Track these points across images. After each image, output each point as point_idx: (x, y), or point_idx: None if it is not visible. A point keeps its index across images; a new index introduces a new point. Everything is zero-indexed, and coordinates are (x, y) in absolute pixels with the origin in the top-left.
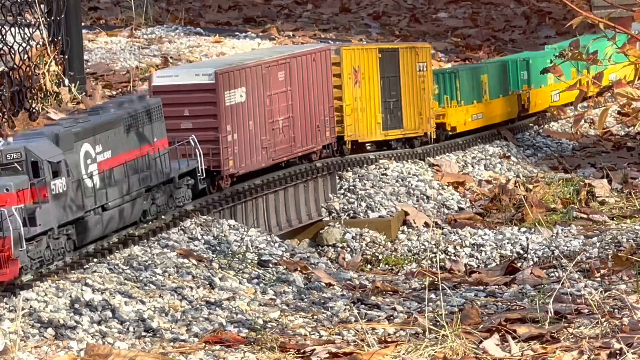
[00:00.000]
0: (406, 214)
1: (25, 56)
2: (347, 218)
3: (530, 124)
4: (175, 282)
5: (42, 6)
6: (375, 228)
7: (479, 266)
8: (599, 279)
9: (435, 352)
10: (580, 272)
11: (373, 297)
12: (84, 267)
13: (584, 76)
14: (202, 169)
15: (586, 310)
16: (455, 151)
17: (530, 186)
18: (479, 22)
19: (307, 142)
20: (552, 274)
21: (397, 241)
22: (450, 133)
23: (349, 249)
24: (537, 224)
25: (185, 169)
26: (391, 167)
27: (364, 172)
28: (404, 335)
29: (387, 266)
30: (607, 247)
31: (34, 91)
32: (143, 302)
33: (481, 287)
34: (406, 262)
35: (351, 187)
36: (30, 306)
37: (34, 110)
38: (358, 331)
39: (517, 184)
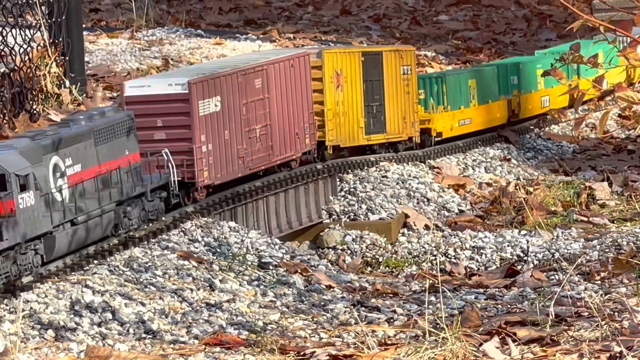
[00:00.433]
0: (406, 216)
1: (26, 57)
2: (348, 220)
3: (531, 127)
4: (175, 284)
5: (43, 8)
6: (376, 230)
7: (479, 269)
8: (599, 282)
9: (435, 354)
10: (580, 275)
11: (373, 300)
12: (84, 268)
13: (574, 81)
14: (174, 183)
15: (586, 313)
16: (456, 154)
17: (531, 189)
18: (480, 24)
19: (286, 149)
20: (553, 277)
21: (397, 243)
22: (436, 139)
23: (349, 251)
24: (537, 227)
25: (158, 183)
26: (392, 169)
27: (365, 175)
28: (404, 338)
29: (387, 268)
30: (607, 250)
31: (34, 93)
32: (143, 304)
33: (481, 290)
34: (406, 264)
35: (352, 190)
36: (31, 308)
37: (35, 112)
38: (358, 333)
39: (517, 187)
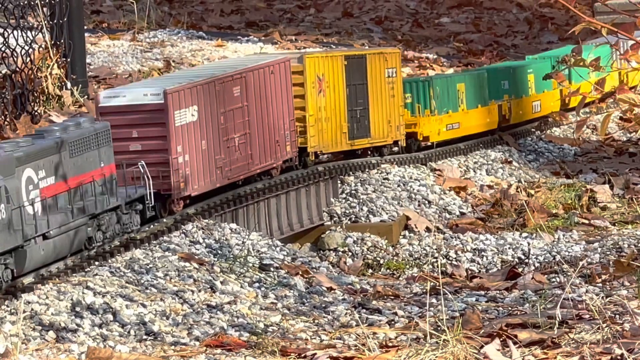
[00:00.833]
0: (408, 218)
1: (28, 59)
2: (349, 222)
3: (532, 129)
4: (176, 286)
5: (44, 9)
6: (377, 232)
7: (480, 271)
8: (600, 284)
9: (437, 356)
10: (581, 277)
11: (374, 302)
12: (85, 270)
13: (565, 87)
14: (150, 196)
15: (587, 316)
16: (457, 156)
17: (532, 191)
18: (482, 27)
19: (266, 158)
20: (554, 280)
21: (398, 246)
22: (422, 143)
23: (350, 253)
24: (538, 229)
25: (134, 196)
26: (393, 171)
27: (366, 177)
28: (405, 340)
29: (388, 271)
30: (608, 253)
31: (36, 94)
32: (144, 306)
33: (482, 292)
34: (407, 266)
35: (353, 192)
36: (32, 309)
37: (36, 114)
38: (359, 335)
39: (518, 189)
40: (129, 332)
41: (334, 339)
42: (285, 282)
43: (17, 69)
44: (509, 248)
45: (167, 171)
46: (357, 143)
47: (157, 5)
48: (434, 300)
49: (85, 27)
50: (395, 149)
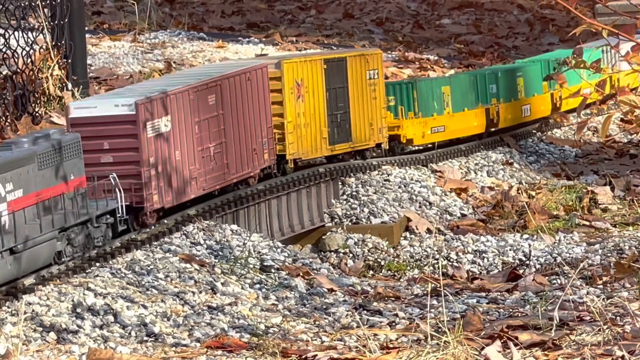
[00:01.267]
0: (409, 220)
1: (29, 60)
2: (350, 224)
3: (533, 131)
4: (177, 287)
5: (45, 10)
6: (378, 234)
7: (481, 273)
8: (601, 286)
9: (437, 358)
10: (582, 279)
11: (375, 303)
12: (86, 271)
13: (556, 90)
14: (122, 209)
15: (588, 318)
16: (458, 157)
17: (533, 193)
18: (483, 28)
19: (243, 167)
20: (555, 281)
21: (399, 247)
22: (407, 146)
23: (351, 255)
24: (539, 231)
25: (104, 209)
26: (394, 173)
27: (367, 178)
28: (406, 342)
29: (389, 272)
30: (609, 255)
31: (37, 95)
32: (145, 307)
33: (483, 294)
34: (408, 268)
35: (354, 193)
36: (33, 310)
37: (37, 114)
38: (360, 337)
39: (519, 191)
40: (129, 333)
41: (334, 340)
42: (286, 283)
43: (18, 70)
44: (510, 250)
45: (139, 183)
46: (338, 148)
47: (158, 6)
48: (434, 302)
49: (86, 28)
50: (379, 151)
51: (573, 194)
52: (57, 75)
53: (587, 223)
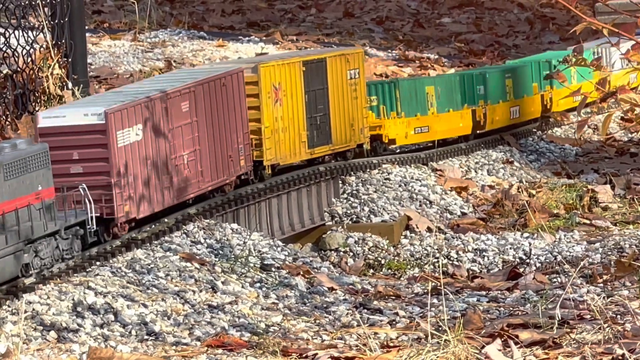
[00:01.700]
0: (409, 218)
1: (29, 59)
2: (350, 222)
3: (533, 129)
4: (177, 286)
5: (45, 9)
6: (378, 233)
7: (481, 271)
8: (601, 284)
9: (438, 357)
10: (582, 277)
11: (375, 302)
12: (87, 270)
13: (546, 92)
14: (92, 220)
15: (588, 316)
16: (459, 156)
17: (533, 191)
18: (483, 27)
19: (218, 174)
20: (555, 280)
21: (399, 246)
22: (388, 146)
23: (351, 254)
24: (539, 230)
25: (74, 221)
26: (394, 171)
27: (367, 177)
28: (406, 340)
29: (389, 271)
30: (609, 253)
31: (37, 94)
32: (145, 306)
33: (484, 292)
34: (409, 266)
35: (354, 192)
36: (33, 309)
37: (37, 114)
38: (360, 336)
39: (520, 190)
40: (130, 332)
41: (335, 339)
42: (287, 282)
43: (19, 69)
44: (510, 248)
45: (109, 194)
46: (318, 151)
47: (158, 5)
48: (435, 301)
49: (87, 27)
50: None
51: (573, 193)
52: (57, 74)
53: (588, 221)
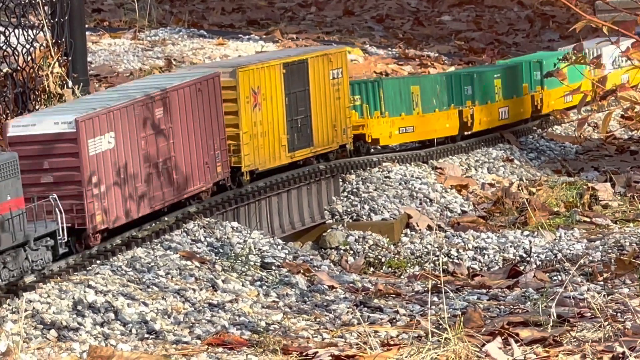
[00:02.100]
0: (409, 216)
1: (29, 58)
2: (350, 221)
3: (534, 127)
4: (178, 284)
5: (45, 8)
6: (378, 231)
7: (481, 269)
8: (601, 282)
9: (438, 355)
10: (583, 275)
11: (376, 300)
12: (87, 268)
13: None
14: (63, 231)
15: (589, 314)
16: (459, 154)
17: (534, 189)
18: (483, 25)
19: (194, 182)
20: (555, 278)
21: (400, 244)
22: (373, 146)
23: (351, 252)
24: (540, 228)
25: (44, 232)
26: (394, 170)
27: (367, 175)
28: (407, 338)
29: (389, 269)
30: (610, 251)
31: (37, 93)
32: (146, 304)
33: (484, 291)
34: (409, 265)
35: (354, 190)
36: (33, 308)
37: None
38: (361, 334)
39: (520, 188)
40: (130, 330)
41: (335, 337)
42: (287, 280)
43: (19, 68)
44: (511, 246)
45: (81, 204)
46: (298, 154)
47: (158, 3)
48: (435, 299)
49: (87, 26)
50: (343, 152)
51: (573, 191)
52: (57, 72)
53: (588, 219)
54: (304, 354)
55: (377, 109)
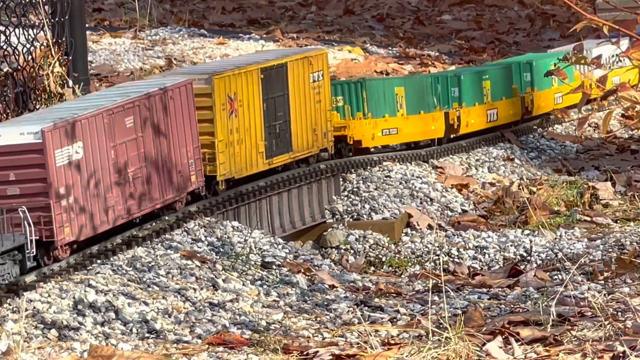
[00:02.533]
0: (410, 216)
1: (29, 57)
2: (351, 220)
3: (534, 127)
4: (178, 284)
5: (46, 7)
6: (379, 230)
7: (482, 269)
8: (602, 281)
9: (439, 354)
10: (583, 274)
11: (376, 299)
12: (88, 268)
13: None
14: (31, 244)
15: (589, 313)
16: (459, 153)
17: (534, 189)
18: (483, 24)
19: (167, 192)
20: (556, 277)
21: (400, 243)
22: (355, 148)
23: (352, 251)
24: (540, 227)
25: (11, 245)
26: (395, 169)
27: (368, 174)
28: (407, 338)
29: (390, 268)
30: (610, 250)
31: (37, 92)
32: (146, 304)
33: (484, 290)
34: (409, 264)
35: (355, 189)
36: (34, 307)
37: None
38: (361, 333)
39: (520, 187)
40: (131, 330)
41: (336, 336)
42: (287, 279)
43: (19, 67)
44: (511, 245)
45: (48, 216)
46: (276, 161)
47: (158, 3)
48: (436, 298)
49: (87, 25)
50: (325, 154)
51: (574, 190)
52: (58, 72)
53: (588, 219)
54: (305, 353)
55: (360, 110)
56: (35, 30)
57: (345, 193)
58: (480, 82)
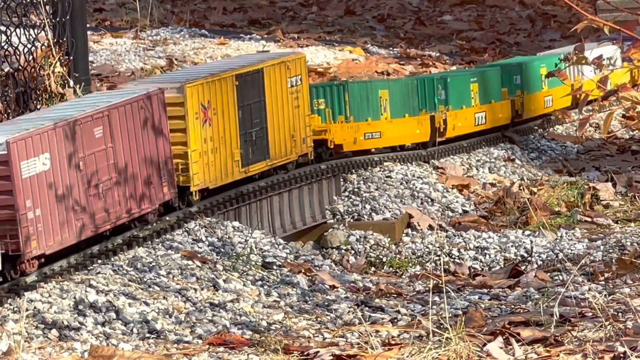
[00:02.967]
0: (410, 216)
1: (30, 57)
2: (351, 220)
3: (535, 127)
4: (179, 284)
5: (47, 7)
6: (380, 230)
7: (483, 269)
8: (603, 282)
9: (439, 354)
10: (584, 275)
11: (377, 300)
12: (88, 268)
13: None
14: None
15: (590, 314)
16: (460, 154)
17: (535, 189)
18: (484, 25)
19: (138, 203)
20: (556, 278)
21: (401, 244)
22: (335, 151)
23: (353, 252)
24: (541, 227)
25: None
26: (395, 169)
27: (369, 175)
28: (408, 338)
29: (391, 269)
30: (611, 251)
31: (38, 92)
32: (147, 304)
33: (485, 290)
34: (410, 264)
35: (355, 190)
36: (34, 307)
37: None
38: (362, 333)
39: (521, 187)
40: (131, 330)
41: (336, 337)
42: (288, 280)
43: (20, 67)
44: (512, 246)
45: (14, 229)
46: (253, 169)
47: (159, 3)
48: (436, 298)
49: (88, 25)
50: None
51: (575, 190)
52: (58, 72)
53: (589, 219)
54: (305, 353)
55: (341, 114)
56: (36, 31)
57: (346, 193)
58: (467, 84)
